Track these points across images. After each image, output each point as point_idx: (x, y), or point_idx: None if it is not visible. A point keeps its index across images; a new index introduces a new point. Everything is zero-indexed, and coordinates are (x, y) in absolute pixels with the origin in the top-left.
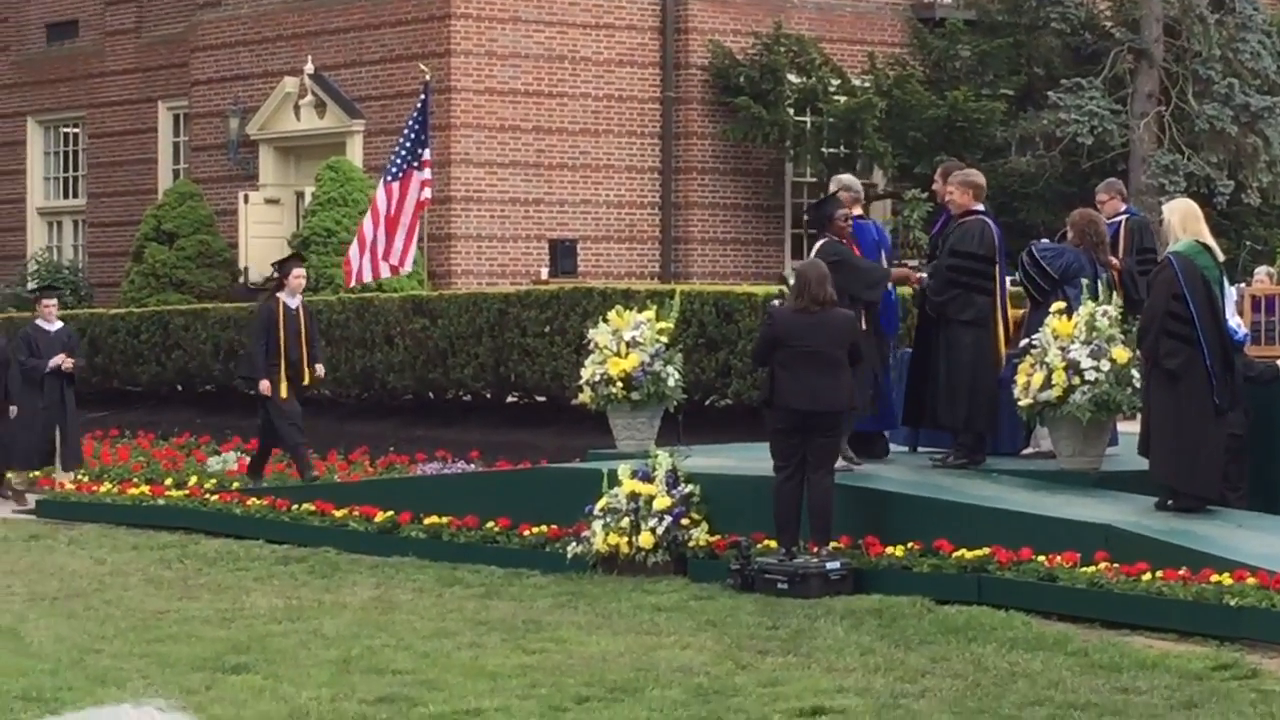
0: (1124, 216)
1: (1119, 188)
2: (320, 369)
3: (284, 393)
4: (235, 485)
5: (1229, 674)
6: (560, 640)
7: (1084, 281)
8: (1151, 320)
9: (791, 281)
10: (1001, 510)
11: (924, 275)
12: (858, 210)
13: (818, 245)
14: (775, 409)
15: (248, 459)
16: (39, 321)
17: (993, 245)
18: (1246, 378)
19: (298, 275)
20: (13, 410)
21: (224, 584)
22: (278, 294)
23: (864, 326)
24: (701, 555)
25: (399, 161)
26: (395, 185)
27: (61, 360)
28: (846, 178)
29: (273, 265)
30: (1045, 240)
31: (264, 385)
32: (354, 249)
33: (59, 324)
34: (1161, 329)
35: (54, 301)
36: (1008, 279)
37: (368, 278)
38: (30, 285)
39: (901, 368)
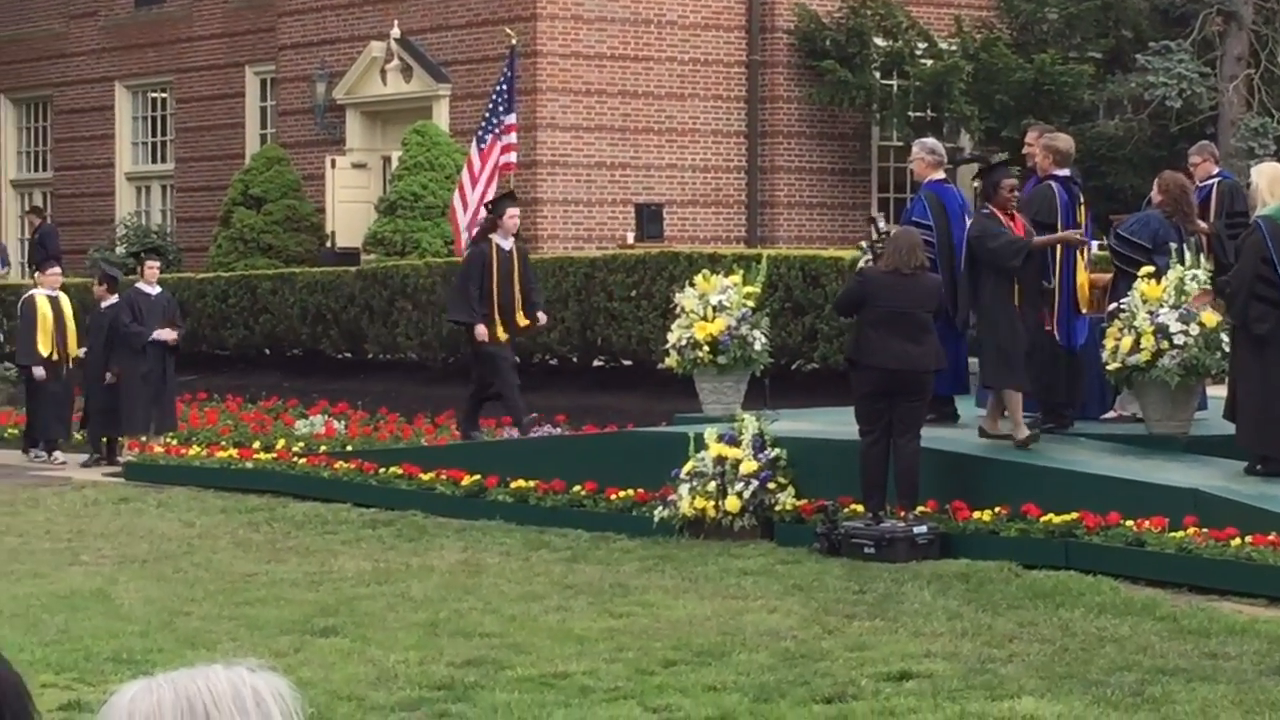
0: (1216, 179)
1: (1211, 150)
2: (542, 317)
3: (501, 335)
4: (491, 435)
5: None
6: (647, 604)
7: (1172, 246)
8: (1240, 285)
9: (878, 219)
10: (1089, 475)
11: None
12: (940, 174)
13: (975, 216)
14: (862, 369)
15: (335, 422)
16: (140, 285)
17: (1053, 211)
18: None
19: (512, 215)
20: (109, 376)
21: (312, 547)
22: (490, 235)
23: (1015, 301)
24: (788, 519)
25: (487, 125)
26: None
27: (167, 334)
28: (930, 141)
29: (486, 205)
30: (1127, 219)
31: (480, 330)
32: (459, 212)
33: (159, 288)
34: (1250, 293)
35: (157, 263)
36: (1094, 243)
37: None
38: (119, 250)
39: None
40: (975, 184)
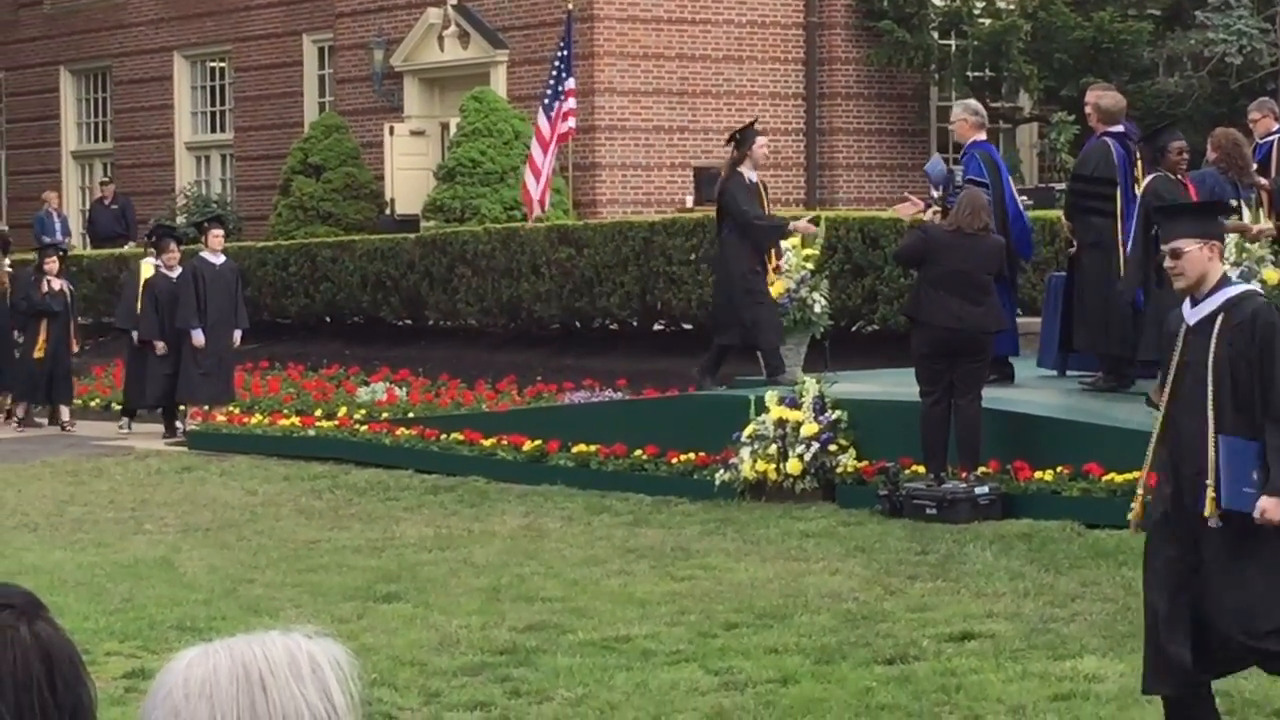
0: (1277, 135)
1: (1271, 106)
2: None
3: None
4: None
5: None
6: (709, 567)
7: (1231, 203)
8: None
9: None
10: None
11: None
12: (982, 134)
13: (1147, 180)
14: (921, 327)
15: (396, 389)
16: (204, 254)
17: (1111, 166)
18: None
19: (761, 146)
20: (159, 346)
21: (374, 514)
22: (738, 169)
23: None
24: (849, 481)
25: (550, 92)
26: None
27: (238, 340)
28: (972, 102)
29: (733, 136)
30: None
31: (800, 225)
32: (529, 179)
33: (223, 257)
34: None
35: (221, 232)
36: None
37: (547, 209)
38: (180, 220)
39: (1052, 292)
40: (1137, 145)
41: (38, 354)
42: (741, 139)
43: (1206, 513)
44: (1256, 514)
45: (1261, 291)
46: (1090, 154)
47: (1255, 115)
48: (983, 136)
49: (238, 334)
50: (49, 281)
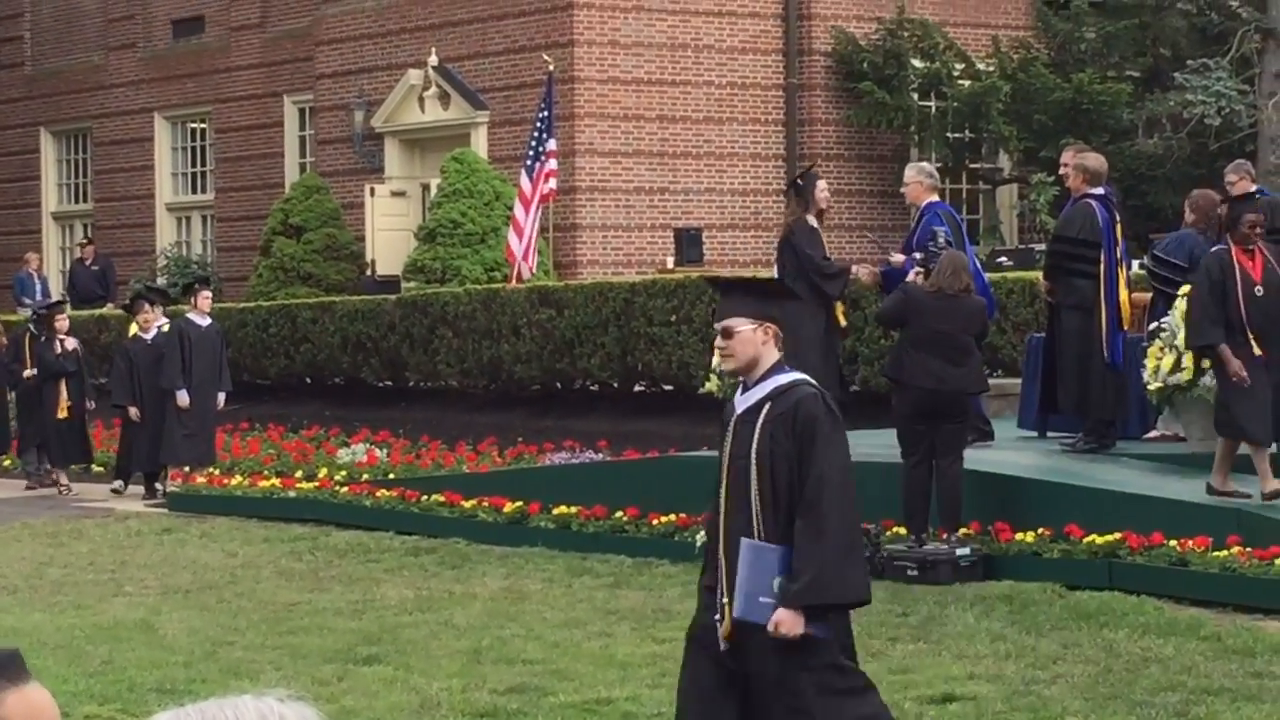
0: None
1: (1248, 168)
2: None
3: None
4: None
5: None
6: None
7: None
8: None
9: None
10: (1132, 495)
11: None
12: (935, 196)
13: (1211, 252)
14: (903, 389)
15: (377, 450)
16: (191, 315)
17: (1096, 229)
18: None
19: (822, 190)
20: (133, 412)
21: (355, 575)
22: (806, 215)
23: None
24: None
25: (534, 154)
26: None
27: (221, 402)
28: (925, 165)
29: (795, 182)
30: (1161, 239)
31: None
32: (513, 239)
33: (209, 319)
34: None
35: (209, 294)
36: (1134, 263)
37: (534, 269)
38: (160, 281)
39: (1032, 353)
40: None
41: (61, 414)
42: (804, 184)
43: (722, 634)
44: (770, 626)
45: (813, 382)
46: (1074, 216)
47: (1232, 178)
48: (936, 198)
49: (222, 396)
50: (61, 341)
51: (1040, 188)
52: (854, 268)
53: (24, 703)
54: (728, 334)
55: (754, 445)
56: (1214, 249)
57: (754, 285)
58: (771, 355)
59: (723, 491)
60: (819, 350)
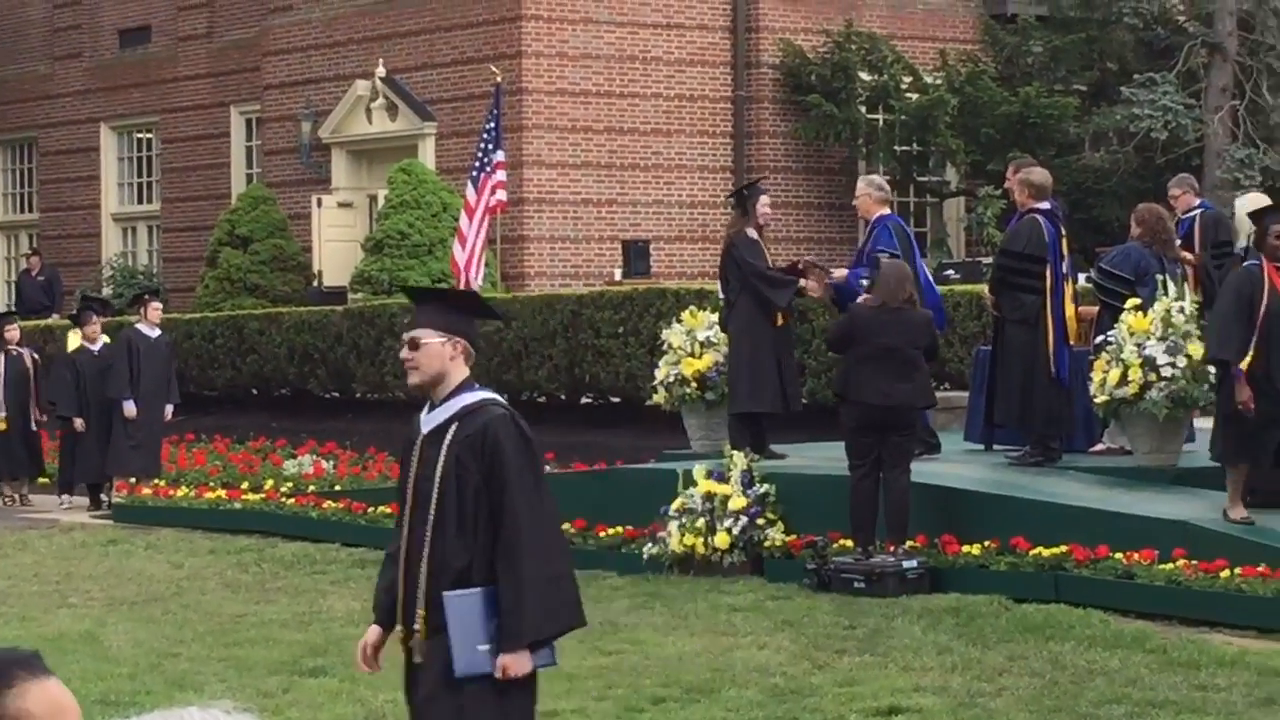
0: (1198, 211)
1: (1191, 182)
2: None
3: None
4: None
5: None
6: (637, 641)
7: (1158, 279)
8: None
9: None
10: (1078, 508)
11: None
12: (886, 209)
13: (1236, 269)
14: (850, 404)
15: (323, 462)
16: (140, 326)
17: (1042, 244)
18: None
19: (764, 205)
20: (78, 423)
21: (301, 587)
22: (745, 230)
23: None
24: (777, 555)
25: (480, 165)
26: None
27: (169, 414)
28: (876, 178)
29: (741, 191)
30: (1108, 252)
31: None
32: (457, 250)
33: (159, 330)
34: None
35: (159, 305)
36: (1081, 275)
37: (478, 280)
38: (106, 291)
39: (980, 366)
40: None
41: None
42: (747, 195)
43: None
44: (498, 673)
45: (503, 401)
46: (1020, 230)
47: (1175, 192)
48: (887, 211)
49: (169, 408)
50: (9, 350)
51: (987, 201)
52: (802, 280)
53: (46, 697)
54: (414, 345)
55: (439, 469)
56: (1245, 264)
57: (449, 297)
58: (460, 372)
59: (406, 515)
60: (767, 362)
